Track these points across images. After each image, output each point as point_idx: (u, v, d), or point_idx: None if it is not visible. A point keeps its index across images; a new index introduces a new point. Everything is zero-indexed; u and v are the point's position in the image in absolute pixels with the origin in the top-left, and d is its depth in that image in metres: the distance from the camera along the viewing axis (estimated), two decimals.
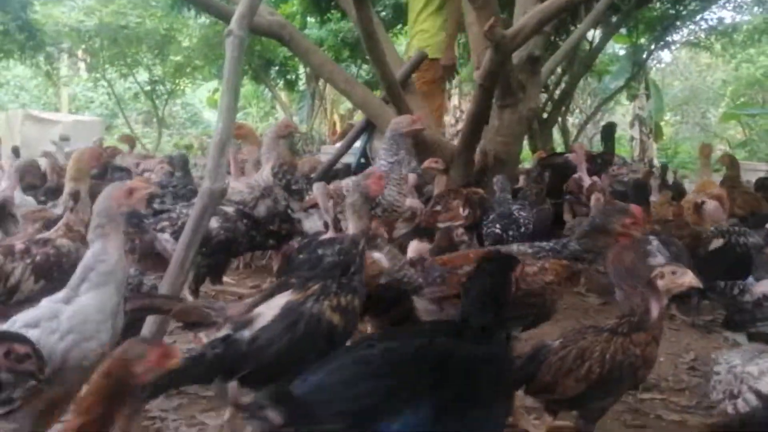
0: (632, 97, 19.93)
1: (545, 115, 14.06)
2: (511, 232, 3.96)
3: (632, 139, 20.58)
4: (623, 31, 15.52)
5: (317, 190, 3.72)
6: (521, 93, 4.61)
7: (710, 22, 15.35)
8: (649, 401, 2.97)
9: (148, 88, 14.43)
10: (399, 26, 14.79)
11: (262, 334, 2.01)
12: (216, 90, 19.27)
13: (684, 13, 14.39)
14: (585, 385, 2.15)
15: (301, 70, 19.01)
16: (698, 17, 14.96)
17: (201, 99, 20.92)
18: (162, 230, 3.64)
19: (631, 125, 20.66)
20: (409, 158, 4.01)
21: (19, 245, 3.05)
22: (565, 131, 17.31)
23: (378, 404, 1.49)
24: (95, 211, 2.13)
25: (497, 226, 3.98)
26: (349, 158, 5.70)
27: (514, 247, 2.90)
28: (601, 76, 18.64)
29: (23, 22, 10.07)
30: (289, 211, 3.79)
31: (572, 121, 22.30)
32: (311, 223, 3.82)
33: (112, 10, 12.41)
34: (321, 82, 19.53)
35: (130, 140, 7.13)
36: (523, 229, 3.97)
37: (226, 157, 2.86)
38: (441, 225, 3.96)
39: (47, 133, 11.38)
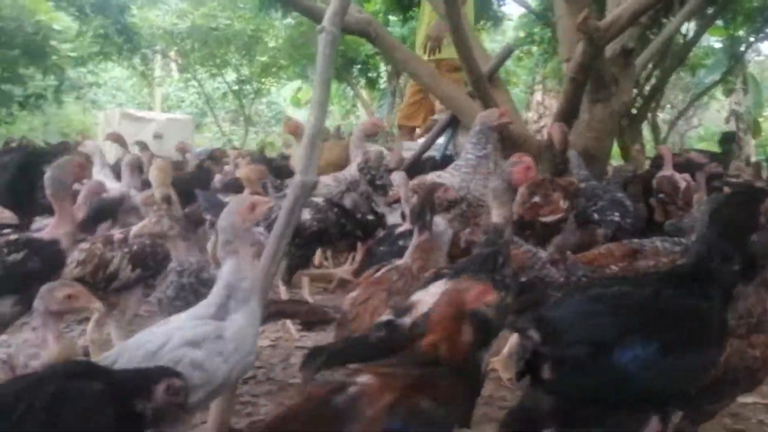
0: (728, 92, 18.92)
1: (634, 111, 13.58)
2: (628, 220, 3.79)
3: None
4: (719, 23, 14.77)
5: (398, 181, 3.71)
6: (614, 87, 4.44)
7: None
8: (751, 405, 2.81)
9: (236, 87, 14.89)
10: (482, 21, 14.66)
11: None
12: (299, 89, 19.69)
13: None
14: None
15: (383, 68, 19.14)
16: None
17: (285, 98, 21.38)
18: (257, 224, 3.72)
19: (727, 121, 19.62)
20: (496, 153, 3.92)
21: (117, 235, 3.21)
22: (655, 127, 16.65)
23: (613, 336, 1.72)
24: (220, 227, 2.10)
25: (615, 213, 3.80)
26: (433, 152, 5.66)
27: (658, 243, 2.79)
28: (694, 70, 17.80)
29: (122, 26, 10.60)
30: (373, 205, 3.81)
31: (663, 117, 21.42)
32: (395, 218, 3.82)
33: (203, 13, 12.88)
34: (402, 79, 19.63)
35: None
36: (632, 220, 3.81)
37: (318, 151, 2.89)
38: (544, 219, 3.85)
39: (142, 131, 11.98)
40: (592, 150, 4.64)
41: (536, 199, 3.87)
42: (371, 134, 3.98)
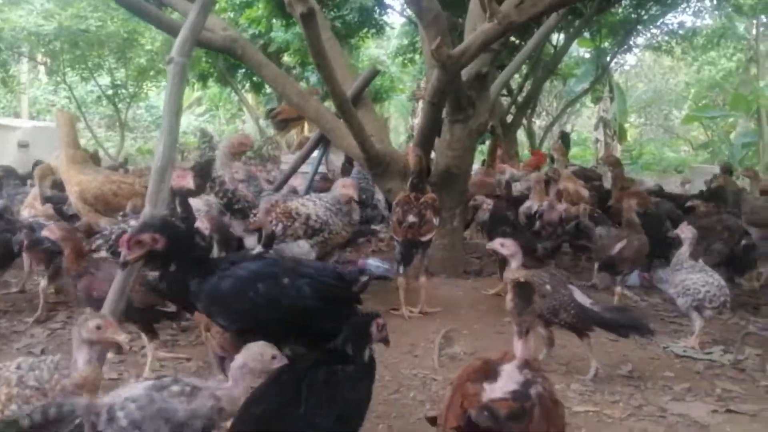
0: (596, 100, 20.25)
1: (509, 119, 14.26)
2: None
3: (597, 141, 20.90)
4: (587, 35, 15.77)
5: (261, 207, 3.77)
6: (471, 109, 4.67)
7: (671, 26, 15.62)
8: (583, 414, 3.03)
9: (111, 92, 14.22)
10: (365, 29, 14.87)
11: None
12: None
13: (645, 17, 14.65)
14: None
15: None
16: (659, 21, 15.22)
17: None
18: (98, 249, 3.64)
19: (596, 127, 21.00)
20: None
21: None
22: (531, 134, 17.53)
23: None
24: None
25: None
26: (306, 168, 5.72)
27: None
28: (566, 79, 18.88)
29: None
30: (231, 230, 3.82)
31: (539, 123, 22.60)
32: (252, 242, 3.84)
33: (72, 14, 12.19)
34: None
35: None
36: None
37: (168, 182, 2.87)
38: (424, 239, 4.00)
39: (5, 140, 11.20)
40: (453, 168, 4.86)
41: (411, 218, 4.03)
42: (238, 153, 3.97)
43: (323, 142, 5.34)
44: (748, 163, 18.32)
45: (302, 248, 3.85)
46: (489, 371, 1.88)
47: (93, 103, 17.07)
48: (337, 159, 5.66)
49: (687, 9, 15.31)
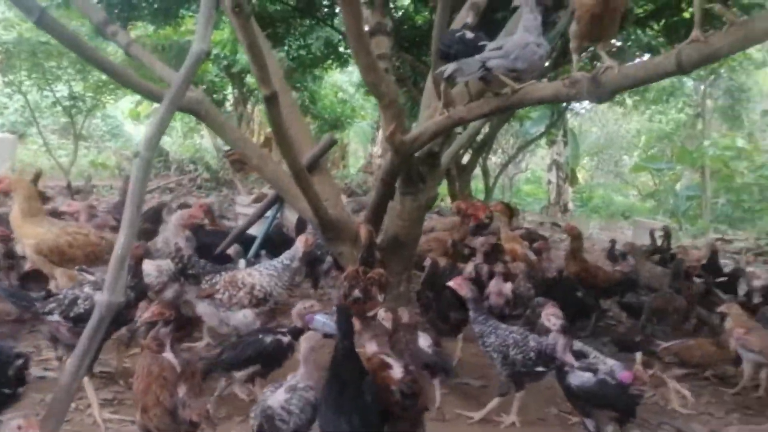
0: (551, 143, 20.86)
1: (465, 160, 14.60)
2: None
3: (549, 182, 21.49)
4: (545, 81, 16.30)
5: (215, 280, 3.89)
6: (421, 183, 4.88)
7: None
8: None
9: (68, 103, 14.01)
10: (329, 61, 15.07)
11: None
12: (139, 102, 18.90)
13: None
14: None
15: (229, 90, 18.96)
16: None
17: (123, 110, 20.41)
18: (50, 312, 3.66)
19: (549, 169, 21.60)
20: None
21: None
22: (486, 172, 17.94)
23: None
24: None
25: None
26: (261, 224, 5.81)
27: None
28: (522, 121, 19.42)
29: None
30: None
31: (495, 160, 23.11)
32: (204, 309, 3.93)
33: (32, 26, 11.96)
34: (249, 105, 19.57)
35: None
36: None
37: (126, 271, 2.95)
38: (369, 315, 4.13)
39: None
40: (402, 237, 5.05)
41: (357, 293, 4.17)
42: (188, 227, 4.06)
43: (280, 200, 5.46)
44: (692, 214, 19.17)
45: (247, 318, 3.95)
46: None
47: (48, 108, 16.76)
48: (292, 215, 5.77)
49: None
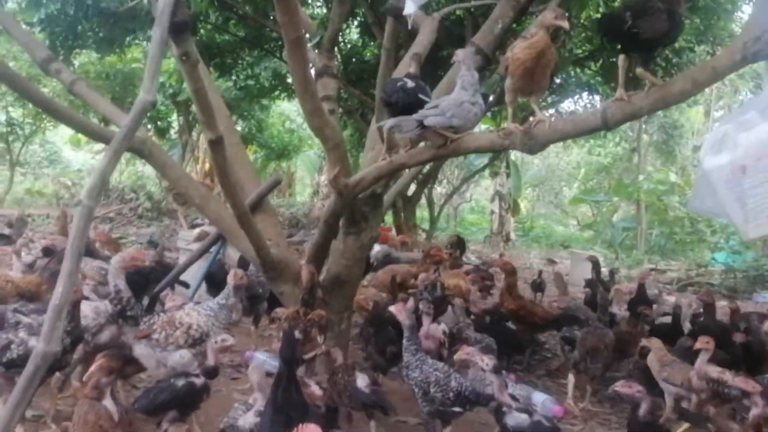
0: (494, 174, 21.37)
1: (410, 191, 14.85)
2: None
3: (492, 212, 21.96)
4: (489, 114, 16.80)
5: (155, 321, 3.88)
6: (364, 223, 4.98)
7: (563, 114, 16.87)
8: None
9: (5, 129, 13.64)
10: (277, 92, 15.17)
11: None
12: None
13: (543, 103, 15.81)
14: None
15: (174, 117, 18.79)
16: (554, 109, 16.37)
17: (62, 136, 19.95)
18: None
19: (492, 200, 22.09)
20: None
21: None
22: (431, 203, 18.24)
23: None
24: None
25: None
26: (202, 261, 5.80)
27: None
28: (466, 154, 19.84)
29: None
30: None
31: (440, 190, 23.51)
32: (141, 350, 3.90)
33: None
34: (195, 133, 19.40)
35: None
36: None
37: (63, 321, 2.94)
38: (306, 356, 4.18)
39: None
40: (344, 276, 5.12)
41: (297, 334, 4.21)
42: (129, 267, 4.04)
43: (221, 239, 5.48)
44: (628, 244, 19.89)
45: (184, 358, 3.94)
46: None
47: None
48: (234, 253, 5.78)
49: (579, 101, 16.62)
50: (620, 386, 3.85)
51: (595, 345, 5.13)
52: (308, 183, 26.72)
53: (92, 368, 3.12)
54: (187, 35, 3.43)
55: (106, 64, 13.43)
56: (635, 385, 3.83)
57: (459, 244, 6.99)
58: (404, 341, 4.00)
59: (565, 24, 3.45)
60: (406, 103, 3.92)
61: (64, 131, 19.17)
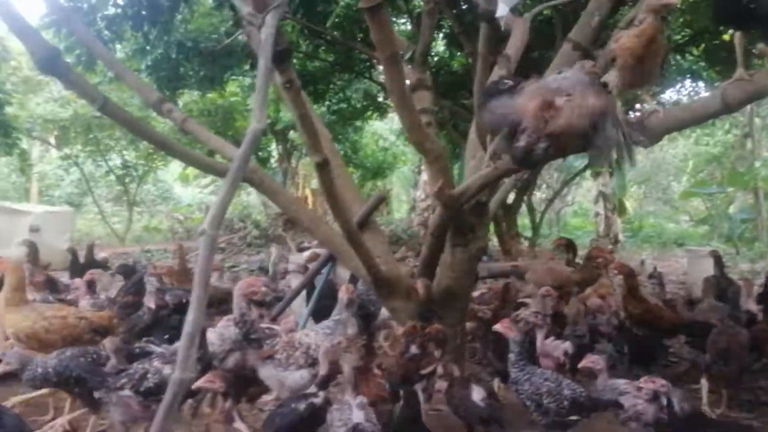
0: (595, 175, 20.64)
1: (510, 200, 14.58)
2: None
3: (597, 214, 21.19)
4: None
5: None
6: (471, 234, 4.90)
7: (666, 104, 16.05)
8: None
9: (121, 171, 14.62)
10: (369, 112, 15.41)
11: None
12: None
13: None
14: None
15: (273, 147, 19.47)
16: (657, 97, 15.62)
17: (173, 173, 21.11)
18: (122, 387, 3.78)
19: (596, 201, 21.34)
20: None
21: None
22: (531, 209, 17.84)
23: None
24: None
25: None
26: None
27: None
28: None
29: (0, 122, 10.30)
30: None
31: (540, 195, 22.95)
32: (266, 372, 3.99)
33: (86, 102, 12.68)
34: (294, 160, 20.03)
35: None
36: None
37: (195, 347, 3.03)
38: (423, 372, 4.14)
39: (18, 224, 11.48)
40: (454, 288, 5.04)
41: (414, 350, 4.19)
42: (249, 295, 4.15)
43: (333, 259, 5.55)
44: (748, 237, 18.58)
45: (303, 379, 3.99)
46: None
47: (101, 177, 17.50)
48: (344, 273, 5.85)
49: (682, 90, 15.79)
50: None
51: (726, 346, 4.76)
52: (404, 199, 26.88)
53: (199, 383, 3.21)
54: (289, 63, 3.51)
55: (208, 101, 14.13)
56: None
57: (570, 247, 6.70)
58: (512, 356, 3.87)
59: (674, 0, 3.26)
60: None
61: (174, 170, 20.29)
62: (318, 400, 3.68)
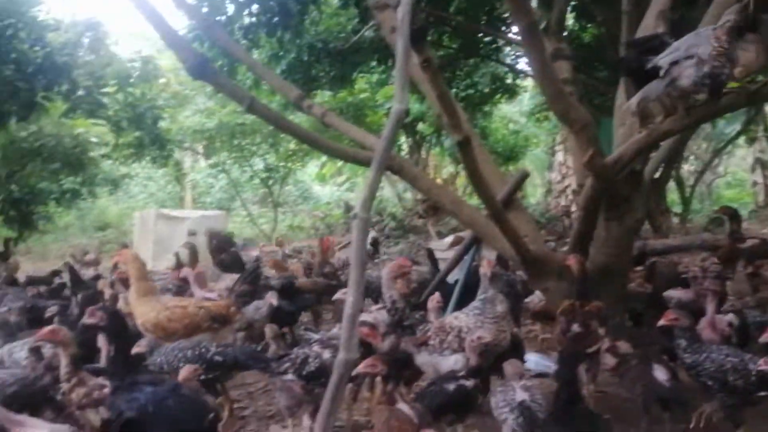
0: (751, 141, 18.91)
1: (657, 175, 13.67)
2: None
3: (754, 184, 19.44)
4: None
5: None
6: (625, 206, 4.62)
7: None
8: None
9: (264, 175, 15.40)
10: (497, 95, 15.08)
11: None
12: (324, 164, 20.22)
13: None
14: None
15: (402, 139, 19.62)
16: None
17: (310, 174, 21.88)
18: (285, 372, 3.92)
19: (752, 170, 19.58)
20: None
21: None
22: (680, 183, 16.67)
23: None
24: None
25: None
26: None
27: None
28: (715, 122, 17.84)
29: (155, 136, 11.21)
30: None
31: (687, 167, 21.37)
32: (422, 358, 3.99)
33: (230, 110, 13.54)
34: (423, 151, 20.06)
35: None
36: None
37: (357, 329, 3.08)
38: (589, 351, 3.97)
39: (177, 230, 12.42)
40: (611, 265, 4.79)
41: (576, 328, 4.01)
42: (399, 276, 4.18)
43: (476, 242, 5.47)
44: None
45: (457, 363, 3.92)
46: None
47: (246, 182, 18.54)
48: (489, 254, 5.74)
49: None
50: None
51: None
52: (538, 183, 26.08)
53: (360, 368, 3.24)
54: (425, 42, 3.48)
55: (339, 100, 14.49)
56: None
57: (734, 216, 6.15)
58: (682, 342, 3.56)
59: None
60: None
61: (311, 171, 21.05)
62: (469, 383, 3.62)
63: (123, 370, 3.73)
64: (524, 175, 5.27)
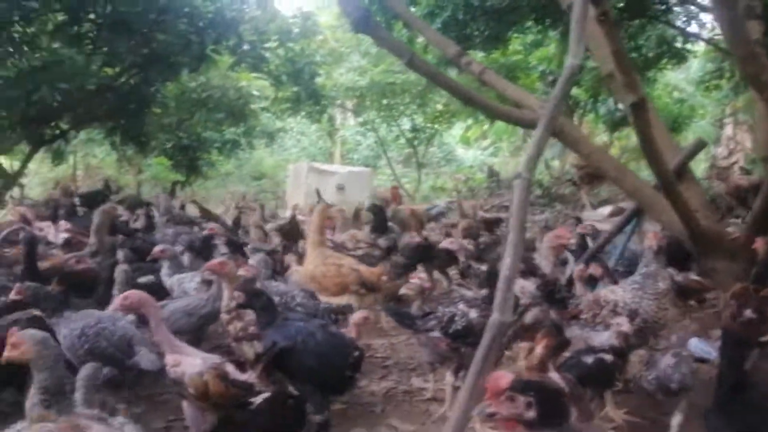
0: None
1: None
2: None
3: None
4: None
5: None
6: None
7: None
8: None
9: (410, 135, 15.49)
10: (664, 60, 13.98)
11: None
12: (469, 127, 19.94)
13: None
14: None
15: None
16: None
17: (455, 136, 21.70)
18: (431, 329, 3.93)
19: None
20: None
21: None
22: None
23: None
24: None
25: None
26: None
27: None
28: None
29: (311, 91, 11.58)
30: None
31: None
32: (574, 332, 3.83)
33: (382, 69, 13.69)
34: (576, 117, 19.17)
35: None
36: None
37: (513, 291, 3.01)
38: (763, 339, 3.66)
39: (327, 183, 12.90)
40: None
41: (749, 314, 3.68)
42: (556, 248, 4.01)
43: (638, 214, 5.13)
44: None
45: (611, 339, 3.72)
46: None
47: (392, 141, 18.75)
48: (652, 227, 5.38)
49: None
50: None
51: None
52: (702, 158, 24.12)
53: (538, 348, 3.14)
54: None
55: (491, 60, 14.13)
56: None
57: None
58: None
59: None
60: None
61: (456, 133, 20.87)
62: (609, 357, 3.44)
63: None
64: (701, 145, 4.85)
